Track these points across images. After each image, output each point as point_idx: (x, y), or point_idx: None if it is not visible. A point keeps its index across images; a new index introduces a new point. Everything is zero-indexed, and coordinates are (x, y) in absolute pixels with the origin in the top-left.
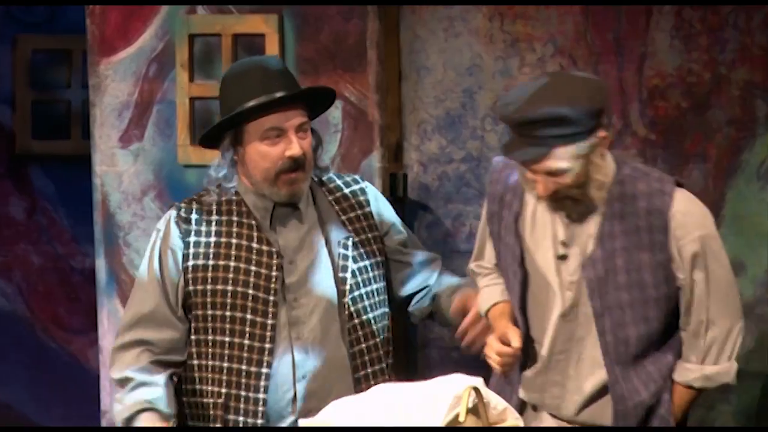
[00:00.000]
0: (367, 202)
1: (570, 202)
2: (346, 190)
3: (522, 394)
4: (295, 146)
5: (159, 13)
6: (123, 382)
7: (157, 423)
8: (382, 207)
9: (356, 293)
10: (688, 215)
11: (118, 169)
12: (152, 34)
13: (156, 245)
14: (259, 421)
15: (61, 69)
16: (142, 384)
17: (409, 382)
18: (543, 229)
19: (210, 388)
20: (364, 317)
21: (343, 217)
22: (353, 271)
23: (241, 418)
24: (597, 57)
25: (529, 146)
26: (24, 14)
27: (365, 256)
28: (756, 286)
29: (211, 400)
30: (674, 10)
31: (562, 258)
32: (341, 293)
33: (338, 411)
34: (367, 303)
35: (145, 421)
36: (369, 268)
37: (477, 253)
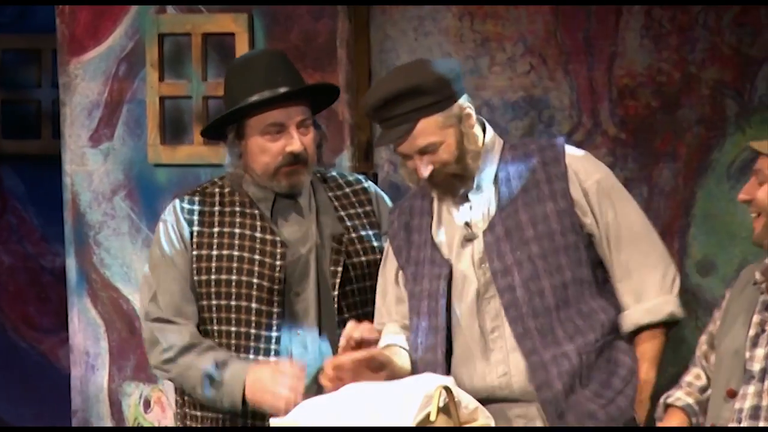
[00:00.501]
0: (369, 201)
1: (458, 180)
2: (348, 189)
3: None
4: (296, 142)
5: (129, 12)
6: (188, 348)
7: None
8: (383, 208)
9: (347, 288)
10: (583, 160)
11: (88, 168)
12: (122, 33)
13: (168, 230)
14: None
15: (30, 68)
16: (211, 348)
17: (380, 382)
18: (450, 226)
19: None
20: (355, 313)
21: (342, 213)
22: (346, 266)
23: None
24: (567, 56)
25: (393, 128)
26: None
27: (361, 253)
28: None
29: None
30: (644, 10)
31: (469, 240)
32: (333, 287)
33: (308, 410)
34: (359, 299)
35: (237, 364)
36: (364, 265)
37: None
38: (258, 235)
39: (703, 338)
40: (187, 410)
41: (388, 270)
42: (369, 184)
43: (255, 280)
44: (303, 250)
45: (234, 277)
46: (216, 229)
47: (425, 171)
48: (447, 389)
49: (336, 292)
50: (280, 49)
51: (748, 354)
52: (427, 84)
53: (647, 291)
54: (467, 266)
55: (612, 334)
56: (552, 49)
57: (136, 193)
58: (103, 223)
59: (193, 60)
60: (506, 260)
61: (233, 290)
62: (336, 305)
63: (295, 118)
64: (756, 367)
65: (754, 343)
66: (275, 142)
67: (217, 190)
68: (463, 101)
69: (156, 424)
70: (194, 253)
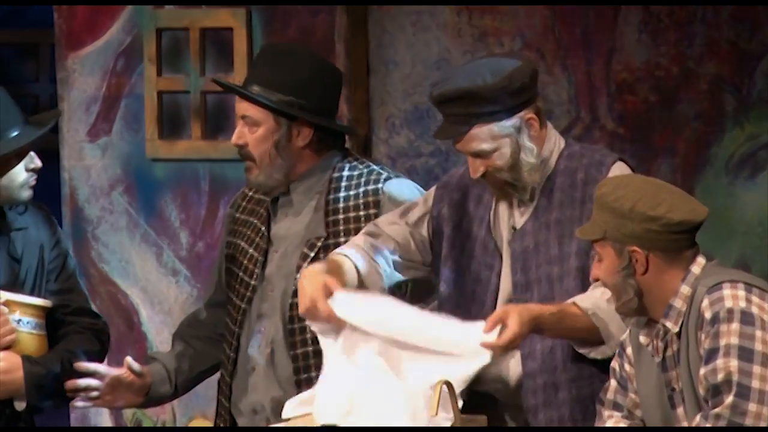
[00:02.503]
0: (376, 204)
1: (511, 188)
2: (360, 189)
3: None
4: (235, 134)
5: (127, 7)
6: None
7: None
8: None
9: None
10: None
11: (86, 163)
12: (120, 28)
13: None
14: (228, 405)
15: (28, 63)
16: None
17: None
18: (502, 223)
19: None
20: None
21: (331, 218)
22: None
23: (222, 398)
24: (565, 51)
25: (450, 125)
26: None
27: None
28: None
29: (220, 378)
30: (643, 5)
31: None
32: (292, 293)
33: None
34: None
35: None
36: None
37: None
38: (262, 228)
39: (613, 383)
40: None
41: (413, 213)
42: (385, 187)
43: (240, 273)
44: (282, 250)
45: (232, 267)
46: (245, 217)
47: (476, 173)
48: (448, 384)
49: (290, 301)
50: (304, 47)
51: (673, 415)
52: (487, 92)
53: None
54: (505, 266)
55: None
56: (550, 44)
57: (134, 188)
58: (101, 218)
59: (191, 55)
60: (529, 275)
61: (229, 279)
62: (289, 314)
63: (240, 111)
64: (684, 425)
65: (673, 405)
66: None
67: None
68: (528, 111)
69: (155, 419)
70: (226, 239)
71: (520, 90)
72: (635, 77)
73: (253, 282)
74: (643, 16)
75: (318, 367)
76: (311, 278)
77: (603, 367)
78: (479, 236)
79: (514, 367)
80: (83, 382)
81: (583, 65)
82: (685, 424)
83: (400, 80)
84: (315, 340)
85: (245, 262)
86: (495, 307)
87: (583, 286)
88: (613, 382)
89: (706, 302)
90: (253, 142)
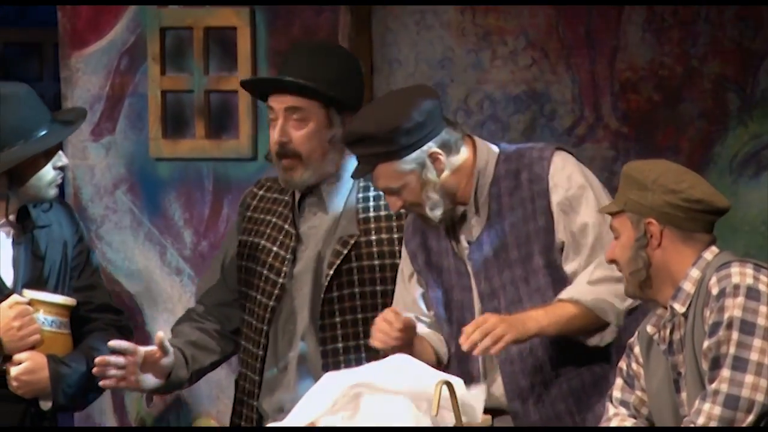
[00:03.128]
0: None
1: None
2: None
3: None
4: (276, 130)
5: (130, 6)
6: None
7: None
8: None
9: (344, 292)
10: (564, 171)
11: (89, 162)
12: (124, 27)
13: (233, 222)
14: (254, 402)
15: (32, 62)
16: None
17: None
18: (462, 243)
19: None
20: (348, 317)
21: (362, 216)
22: (338, 271)
23: (245, 398)
24: (569, 50)
25: (360, 164)
26: None
27: (375, 256)
28: None
29: (240, 377)
30: (646, 4)
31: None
32: (324, 290)
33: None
34: (359, 302)
35: None
36: (376, 269)
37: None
38: (285, 226)
39: (619, 382)
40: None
41: (405, 271)
42: None
43: (265, 272)
44: (311, 248)
45: (252, 265)
46: (262, 216)
47: (394, 208)
48: (448, 385)
49: (323, 295)
50: (341, 46)
51: (678, 400)
52: (380, 134)
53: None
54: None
55: (597, 356)
56: (554, 42)
57: (137, 187)
58: (105, 217)
59: (194, 54)
60: (493, 283)
61: (250, 278)
62: (323, 308)
63: (284, 105)
64: (686, 411)
65: (678, 389)
66: (272, 130)
67: None
68: (430, 146)
69: (159, 418)
70: (239, 238)
71: (414, 129)
72: (639, 76)
73: (281, 280)
74: (647, 15)
75: (348, 362)
76: None
77: (591, 357)
78: (451, 265)
79: (492, 373)
80: (114, 359)
81: (586, 64)
82: (686, 407)
83: (404, 79)
84: (345, 337)
85: (270, 260)
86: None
87: (554, 281)
88: (619, 381)
89: (714, 280)
90: (301, 138)
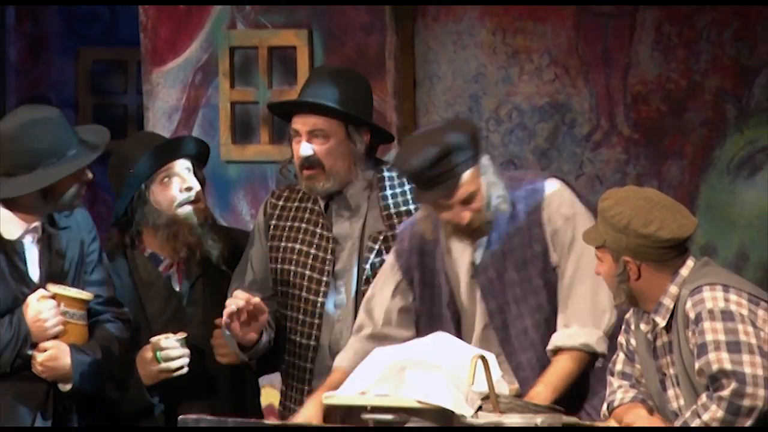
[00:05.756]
0: None
1: (486, 227)
2: (406, 187)
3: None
4: (301, 147)
5: (204, 28)
6: None
7: None
8: None
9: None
10: (554, 203)
11: None
12: (198, 46)
13: (256, 223)
14: (306, 388)
15: (118, 77)
16: None
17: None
18: (459, 261)
19: (283, 356)
20: None
21: (385, 213)
22: (373, 264)
23: (296, 384)
24: (587, 67)
25: (440, 183)
26: (85, 29)
27: None
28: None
29: (283, 366)
30: (654, 26)
31: (474, 277)
32: (363, 281)
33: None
34: None
35: None
36: None
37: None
38: (318, 230)
39: (621, 356)
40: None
41: (386, 283)
42: None
43: (307, 272)
44: (348, 246)
45: (292, 268)
46: (289, 223)
47: (465, 221)
48: (483, 359)
49: (364, 286)
50: (352, 68)
51: (664, 396)
52: (463, 140)
53: (575, 320)
54: (475, 299)
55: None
56: (574, 60)
57: (210, 187)
58: None
59: (260, 70)
60: (499, 300)
61: (290, 279)
62: (360, 297)
63: (307, 126)
64: (674, 405)
65: (664, 387)
66: (296, 146)
67: (302, 186)
68: (485, 157)
69: None
70: (268, 244)
71: (479, 137)
72: (648, 89)
73: (325, 278)
74: (656, 35)
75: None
76: None
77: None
78: (442, 285)
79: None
80: (234, 306)
81: (602, 79)
82: (675, 403)
83: (443, 92)
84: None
85: (311, 262)
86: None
87: (551, 298)
88: (621, 355)
89: (689, 304)
90: (325, 152)
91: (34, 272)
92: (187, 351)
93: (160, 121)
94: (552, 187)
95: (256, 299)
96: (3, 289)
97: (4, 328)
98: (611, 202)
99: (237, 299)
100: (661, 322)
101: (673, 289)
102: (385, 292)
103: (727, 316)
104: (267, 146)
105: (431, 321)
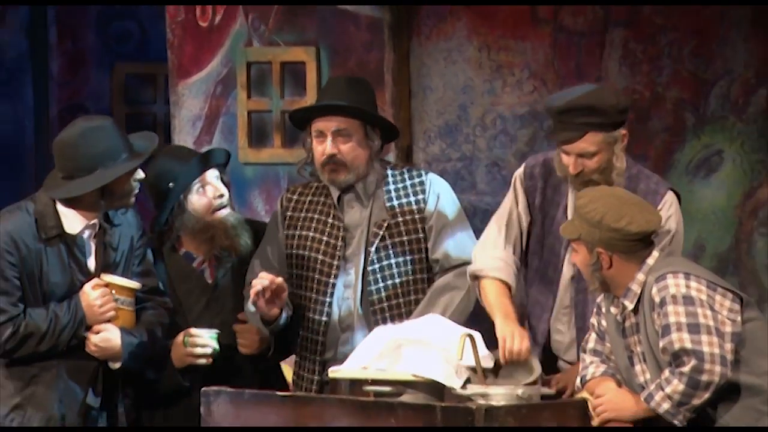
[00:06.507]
0: (423, 191)
1: (594, 185)
2: (408, 182)
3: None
4: (326, 146)
5: (224, 45)
6: None
7: None
8: (441, 205)
9: (384, 263)
10: (665, 212)
11: None
12: (218, 62)
13: (274, 214)
14: (318, 359)
15: (148, 89)
16: None
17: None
18: (570, 210)
19: (299, 331)
20: (389, 282)
21: (388, 204)
22: (377, 248)
23: (309, 355)
24: (562, 80)
25: (567, 131)
26: (119, 47)
27: (403, 233)
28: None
29: (297, 340)
30: (622, 44)
31: None
32: (369, 263)
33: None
34: (395, 270)
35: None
36: (405, 243)
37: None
38: (329, 220)
39: (593, 335)
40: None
41: (515, 208)
42: (429, 178)
43: (320, 257)
44: (357, 233)
45: (305, 253)
46: (303, 214)
47: (575, 169)
48: (471, 337)
49: (370, 267)
50: (363, 78)
51: (632, 371)
52: (604, 107)
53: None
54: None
55: None
56: (550, 74)
57: (229, 186)
58: None
59: (273, 82)
60: None
61: (303, 263)
62: (368, 278)
63: (332, 126)
64: (641, 379)
65: (632, 363)
66: (319, 145)
67: (316, 183)
68: (624, 128)
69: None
70: (284, 232)
71: (623, 110)
72: None
73: (336, 262)
74: (623, 52)
75: (392, 318)
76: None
77: None
78: (557, 217)
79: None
80: (260, 285)
81: None
82: (642, 378)
83: (435, 102)
84: (387, 298)
85: (323, 247)
86: (559, 284)
87: None
88: (593, 335)
89: (655, 290)
90: (348, 149)
91: (90, 263)
92: (213, 344)
93: (185, 128)
94: (671, 197)
95: (280, 279)
96: (64, 278)
97: (63, 311)
98: (586, 200)
99: (262, 279)
100: (630, 305)
101: (641, 276)
102: (511, 221)
103: (688, 300)
104: (279, 150)
105: (542, 250)
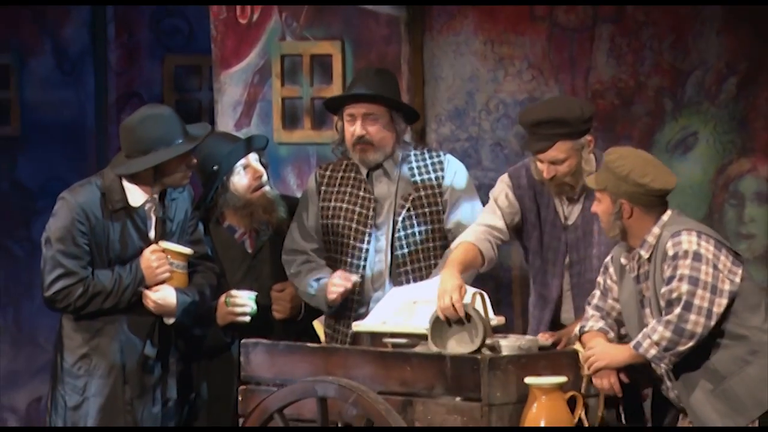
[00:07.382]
0: (441, 168)
1: (568, 187)
2: (428, 161)
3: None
4: (357, 128)
5: (261, 40)
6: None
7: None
8: (456, 182)
9: (409, 231)
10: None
11: None
12: (256, 54)
13: (306, 188)
14: (352, 314)
15: (194, 78)
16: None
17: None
18: (558, 212)
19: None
20: (412, 248)
21: (417, 178)
22: (404, 218)
23: (344, 311)
24: (557, 70)
25: (539, 141)
26: (169, 41)
27: (425, 204)
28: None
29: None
30: (609, 38)
31: (565, 228)
32: (396, 231)
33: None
34: (420, 237)
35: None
36: (427, 214)
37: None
38: (361, 193)
39: (597, 292)
40: (337, 327)
41: (499, 201)
42: (447, 158)
43: (354, 225)
44: (386, 205)
45: (339, 222)
46: (336, 188)
47: (548, 174)
48: (481, 295)
49: (397, 234)
50: (388, 69)
51: (642, 313)
52: (570, 119)
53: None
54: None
55: None
56: (547, 65)
57: (267, 166)
58: None
59: (303, 72)
60: (581, 255)
61: (339, 230)
62: (397, 243)
63: (362, 111)
64: (648, 320)
65: (642, 306)
66: (350, 127)
67: (346, 160)
68: (589, 135)
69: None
70: (320, 204)
71: (588, 119)
72: (604, 87)
73: (368, 230)
74: (610, 45)
75: (415, 279)
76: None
77: None
78: (548, 217)
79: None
80: (344, 288)
81: (569, 79)
82: (650, 320)
83: (445, 89)
84: (411, 262)
85: (356, 217)
86: (563, 273)
87: None
88: (597, 292)
89: (669, 243)
90: (375, 131)
91: (150, 232)
92: (252, 304)
93: (227, 112)
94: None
95: (356, 278)
96: (129, 244)
97: (125, 273)
98: (615, 156)
99: (346, 282)
100: (645, 254)
101: (656, 230)
102: (494, 210)
103: (696, 256)
104: (309, 131)
105: (539, 244)
